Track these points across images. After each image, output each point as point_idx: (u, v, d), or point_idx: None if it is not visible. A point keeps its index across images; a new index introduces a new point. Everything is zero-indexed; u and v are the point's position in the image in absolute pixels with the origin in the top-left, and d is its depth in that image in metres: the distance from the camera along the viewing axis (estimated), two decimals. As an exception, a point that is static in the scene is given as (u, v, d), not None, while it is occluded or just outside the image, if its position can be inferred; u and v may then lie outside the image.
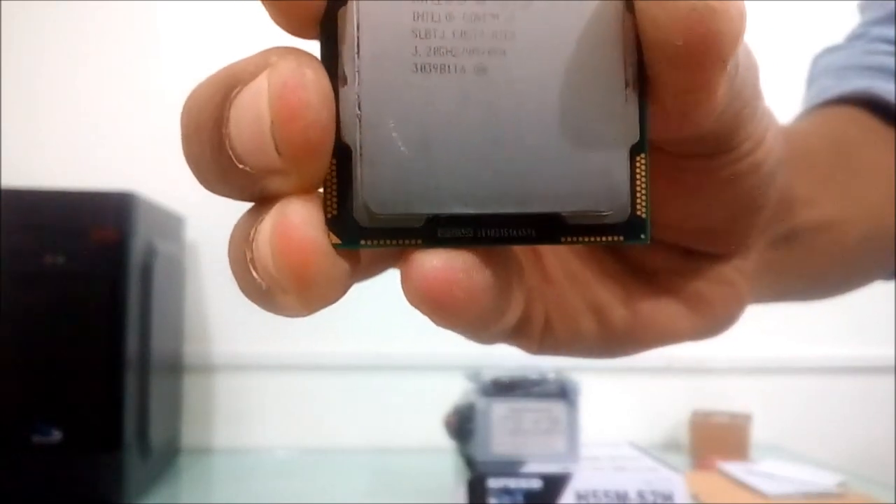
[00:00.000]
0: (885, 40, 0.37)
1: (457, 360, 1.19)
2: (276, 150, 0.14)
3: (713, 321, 0.23)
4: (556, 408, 0.80)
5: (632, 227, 0.16)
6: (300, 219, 0.15)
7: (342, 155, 0.15)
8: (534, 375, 0.81)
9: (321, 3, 0.15)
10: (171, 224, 1.11)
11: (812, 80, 0.40)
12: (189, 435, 1.23)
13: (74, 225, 0.86)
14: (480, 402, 0.80)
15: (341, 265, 0.15)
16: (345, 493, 1.00)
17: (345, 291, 0.16)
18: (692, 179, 0.20)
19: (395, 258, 0.16)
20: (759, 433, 1.23)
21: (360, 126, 0.15)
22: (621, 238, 0.16)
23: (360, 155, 0.15)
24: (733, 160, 0.19)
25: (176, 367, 1.17)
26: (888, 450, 1.31)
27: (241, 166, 0.15)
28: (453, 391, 0.91)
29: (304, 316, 0.16)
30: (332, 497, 0.97)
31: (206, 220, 1.28)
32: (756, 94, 0.18)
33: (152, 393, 0.96)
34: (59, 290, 0.86)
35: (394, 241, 0.15)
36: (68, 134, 1.24)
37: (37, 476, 0.84)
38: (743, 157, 0.19)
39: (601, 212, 0.15)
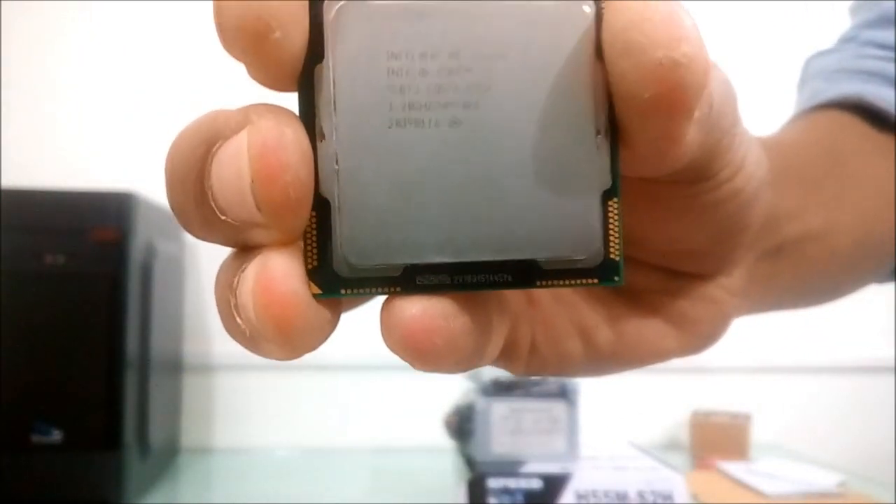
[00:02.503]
0: (876, 44, 0.37)
1: (457, 360, 1.19)
2: (257, 206, 0.15)
3: (698, 339, 0.24)
4: (556, 408, 0.80)
5: (606, 269, 0.16)
6: (281, 271, 0.15)
7: (321, 208, 0.15)
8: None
9: (298, 60, 0.15)
10: (171, 224, 1.11)
11: (804, 82, 0.40)
12: (189, 435, 1.23)
13: (74, 225, 0.86)
14: (480, 402, 0.80)
15: (322, 314, 0.16)
16: (345, 493, 1.00)
17: (327, 337, 0.16)
18: (673, 204, 0.20)
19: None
20: (759, 433, 1.23)
21: (339, 180, 0.15)
22: (596, 281, 0.16)
23: (339, 208, 0.15)
24: (713, 187, 0.20)
25: (176, 367, 1.17)
26: (888, 450, 1.31)
27: (223, 218, 0.15)
28: (453, 391, 0.91)
29: (288, 360, 0.16)
30: (332, 497, 0.97)
31: (206, 220, 1.28)
32: (734, 123, 0.19)
33: (152, 393, 0.96)
34: (59, 290, 0.86)
35: (373, 290, 0.16)
36: (68, 134, 1.24)
37: (37, 476, 0.84)
38: (722, 184, 0.20)
39: (576, 258, 0.15)
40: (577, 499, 0.75)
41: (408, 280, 0.15)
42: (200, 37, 1.27)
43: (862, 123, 0.35)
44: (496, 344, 0.18)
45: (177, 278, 1.16)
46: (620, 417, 1.31)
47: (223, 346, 1.26)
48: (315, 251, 0.15)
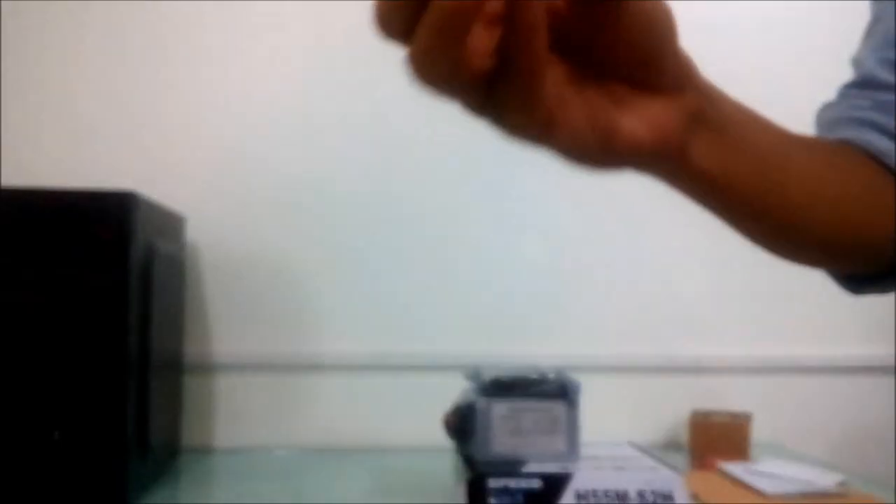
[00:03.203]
0: (865, 98, 0.50)
1: (457, 360, 1.19)
2: None
3: (659, 135, 0.34)
4: (556, 408, 0.80)
5: None
6: None
7: None
8: (534, 375, 0.81)
9: None
10: (171, 224, 1.11)
11: (815, 129, 0.53)
12: (189, 435, 1.23)
13: (74, 225, 0.87)
14: (480, 402, 0.80)
15: None
16: (345, 493, 1.00)
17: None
18: (612, 16, 0.31)
19: None
20: (759, 433, 1.23)
21: None
22: None
23: None
24: None
25: (176, 367, 1.17)
26: (888, 450, 1.31)
27: None
28: (453, 391, 0.91)
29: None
30: (332, 497, 0.97)
31: (206, 220, 1.28)
32: None
33: (152, 393, 0.96)
34: (60, 290, 0.86)
35: None
36: (68, 134, 1.24)
37: (37, 476, 0.85)
38: None
39: None
40: (577, 499, 0.75)
41: None
42: (202, 38, 1.27)
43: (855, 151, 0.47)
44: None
45: (177, 278, 1.16)
46: (620, 417, 1.31)
47: (223, 346, 1.26)
48: None
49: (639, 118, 0.34)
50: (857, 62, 0.54)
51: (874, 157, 0.47)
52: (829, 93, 0.55)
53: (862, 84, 0.51)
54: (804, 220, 0.44)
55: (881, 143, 0.48)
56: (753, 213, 0.43)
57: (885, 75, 0.50)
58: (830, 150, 0.49)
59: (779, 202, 0.43)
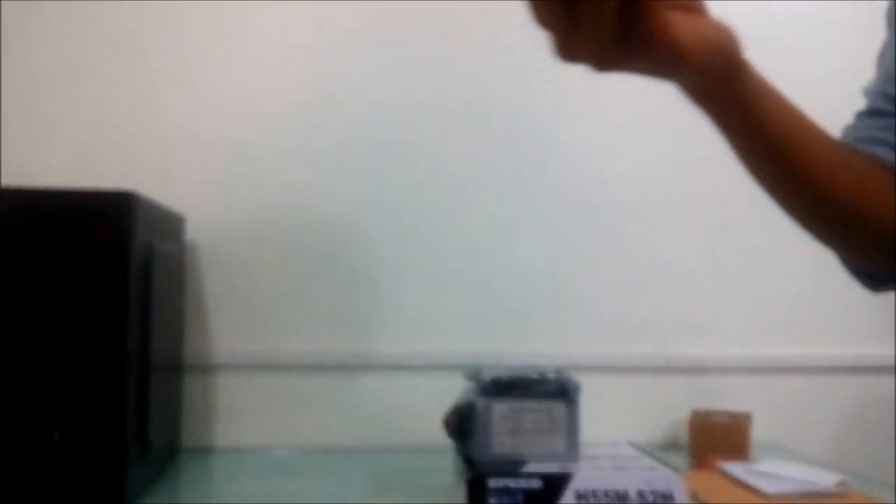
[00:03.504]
0: (872, 122, 0.59)
1: (457, 360, 1.19)
2: None
3: (727, 35, 0.43)
4: (556, 408, 0.80)
5: None
6: None
7: None
8: (534, 375, 0.81)
9: None
10: (171, 224, 1.11)
11: None
12: (189, 435, 1.23)
13: (74, 225, 0.87)
14: (480, 402, 0.80)
15: None
16: (345, 493, 1.00)
17: None
18: None
19: None
20: (759, 433, 1.23)
21: None
22: None
23: None
24: None
25: (176, 367, 1.17)
26: (888, 450, 1.31)
27: None
28: (453, 391, 0.91)
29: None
30: (332, 497, 0.97)
31: (206, 220, 1.28)
32: None
33: (152, 393, 0.96)
34: (60, 290, 0.86)
35: None
36: (68, 134, 1.24)
37: (37, 476, 0.85)
38: None
39: None
40: (577, 499, 0.75)
41: None
42: (201, 39, 1.27)
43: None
44: None
45: (177, 278, 1.16)
46: (620, 417, 1.31)
47: (223, 346, 1.26)
48: None
49: (706, 23, 0.41)
50: (865, 92, 0.61)
51: (882, 165, 0.55)
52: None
53: (868, 114, 0.60)
54: (818, 177, 0.50)
55: (887, 154, 0.56)
56: (778, 154, 0.49)
57: (888, 107, 0.59)
58: (849, 145, 0.57)
59: (801, 148, 0.49)
